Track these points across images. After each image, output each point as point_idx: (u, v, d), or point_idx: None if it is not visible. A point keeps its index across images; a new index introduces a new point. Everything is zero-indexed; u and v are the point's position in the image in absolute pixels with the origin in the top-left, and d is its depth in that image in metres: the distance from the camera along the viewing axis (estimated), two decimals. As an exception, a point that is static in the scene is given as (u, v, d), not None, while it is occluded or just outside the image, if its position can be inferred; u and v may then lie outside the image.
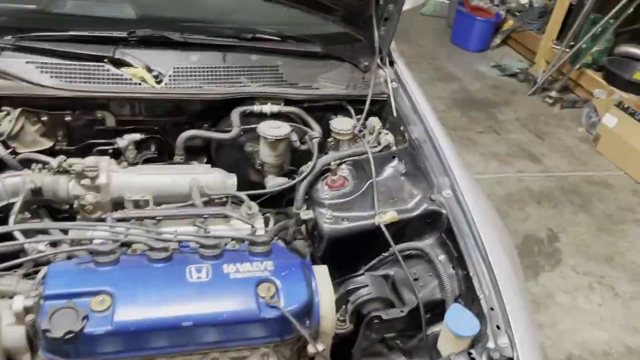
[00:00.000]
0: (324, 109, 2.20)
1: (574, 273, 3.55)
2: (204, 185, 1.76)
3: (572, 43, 5.80)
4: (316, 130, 2.00)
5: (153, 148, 2.03)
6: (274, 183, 1.93)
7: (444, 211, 1.73)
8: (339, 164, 1.88)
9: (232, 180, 1.81)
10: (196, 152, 2.11)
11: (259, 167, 1.98)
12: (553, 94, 5.78)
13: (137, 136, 1.95)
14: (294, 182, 1.82)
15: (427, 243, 1.77)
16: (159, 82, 1.89)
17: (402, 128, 2.05)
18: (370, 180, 1.81)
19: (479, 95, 5.76)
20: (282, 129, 1.90)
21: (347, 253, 1.77)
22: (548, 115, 5.55)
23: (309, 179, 1.82)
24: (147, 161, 2.01)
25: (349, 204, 1.78)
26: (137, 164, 1.99)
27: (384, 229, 1.69)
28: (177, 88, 1.90)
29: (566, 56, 5.74)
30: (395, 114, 2.10)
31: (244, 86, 1.99)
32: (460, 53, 6.76)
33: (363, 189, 1.81)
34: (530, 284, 3.42)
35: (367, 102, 2.03)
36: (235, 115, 1.95)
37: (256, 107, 1.99)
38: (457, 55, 6.70)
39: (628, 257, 3.76)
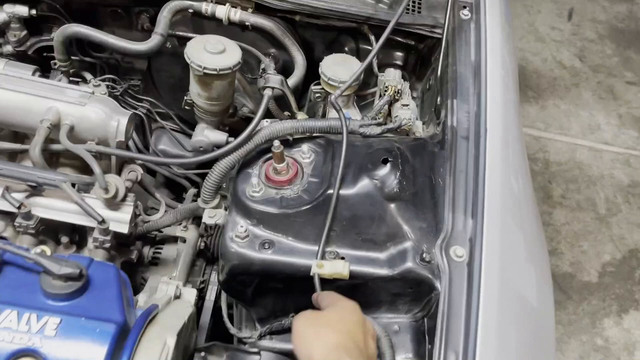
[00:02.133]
0: (336, 30, 1.38)
1: (680, 323, 2.61)
2: (68, 122, 1.10)
3: None
4: (298, 68, 1.21)
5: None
6: (199, 140, 1.23)
7: (438, 286, 0.97)
8: (291, 143, 1.12)
9: (117, 122, 1.13)
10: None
11: (186, 107, 1.27)
12: None
13: (23, 10, 1.29)
14: (207, 156, 1.11)
15: (394, 320, 1.06)
16: None
17: (438, 101, 1.21)
18: (331, 192, 1.05)
19: (651, 30, 4.31)
20: (225, 55, 1.14)
21: (262, 292, 1.10)
22: None
23: (234, 156, 1.09)
24: (43, 50, 1.37)
25: (288, 220, 1.06)
26: (25, 52, 1.35)
27: (317, 284, 0.98)
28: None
29: None
30: (439, 72, 1.25)
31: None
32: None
33: (319, 198, 1.07)
34: (607, 323, 2.55)
35: (385, 34, 1.17)
36: (164, 14, 1.22)
37: (205, 6, 1.22)
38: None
39: None
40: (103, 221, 1.01)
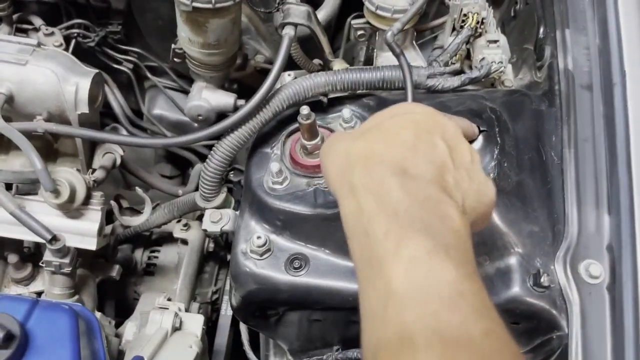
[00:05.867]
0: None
1: None
2: (4, 90, 0.77)
3: None
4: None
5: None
6: (196, 105, 0.89)
7: (563, 324, 0.64)
8: (326, 106, 0.78)
9: (75, 86, 0.79)
10: None
11: (176, 60, 0.92)
12: None
13: None
14: (202, 133, 0.76)
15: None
16: None
17: (541, 34, 0.83)
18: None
19: None
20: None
21: (293, 323, 0.79)
22: None
23: (242, 131, 0.75)
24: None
25: (327, 225, 0.72)
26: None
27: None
28: None
29: None
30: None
31: None
32: None
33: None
34: None
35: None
36: None
37: None
38: None
39: None
40: (54, 239, 0.69)
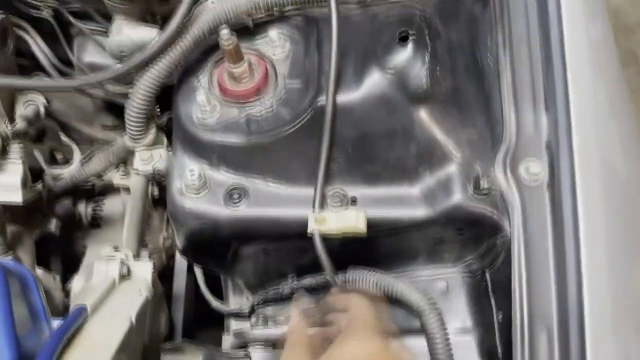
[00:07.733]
0: None
1: None
2: None
3: None
4: None
5: None
6: (117, 41, 0.83)
7: (505, 225, 0.63)
8: (252, 29, 0.74)
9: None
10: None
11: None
12: None
13: None
14: (114, 71, 0.72)
15: (438, 275, 0.74)
16: None
17: None
18: (323, 99, 0.67)
19: None
20: None
21: (243, 257, 0.78)
22: None
23: (163, 63, 0.71)
24: None
25: (263, 153, 0.70)
26: None
27: (318, 247, 0.64)
28: None
29: None
30: None
31: None
32: None
33: (306, 113, 0.69)
34: None
35: None
36: None
37: None
38: None
39: None
40: (-30, 196, 0.65)
